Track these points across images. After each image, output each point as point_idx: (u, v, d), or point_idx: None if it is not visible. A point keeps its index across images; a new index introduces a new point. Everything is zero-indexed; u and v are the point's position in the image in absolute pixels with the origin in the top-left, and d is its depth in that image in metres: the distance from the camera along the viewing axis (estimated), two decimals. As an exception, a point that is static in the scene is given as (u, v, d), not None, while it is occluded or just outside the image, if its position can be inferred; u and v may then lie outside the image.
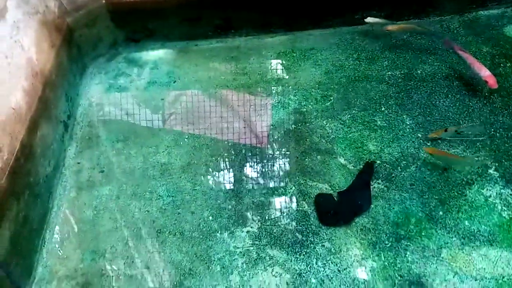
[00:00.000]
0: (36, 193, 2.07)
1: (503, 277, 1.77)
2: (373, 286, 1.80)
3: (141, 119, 2.58)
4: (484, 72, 2.43)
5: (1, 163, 1.83)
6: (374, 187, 2.15)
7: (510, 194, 2.05)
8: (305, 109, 2.57)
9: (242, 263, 1.93)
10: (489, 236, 1.91)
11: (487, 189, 2.08)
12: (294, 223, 2.06)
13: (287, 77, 2.78)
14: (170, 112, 2.60)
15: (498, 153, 2.22)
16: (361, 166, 2.24)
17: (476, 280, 1.78)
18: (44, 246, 2.03)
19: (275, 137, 2.43)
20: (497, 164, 2.18)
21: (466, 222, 1.97)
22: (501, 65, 2.65)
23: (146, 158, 2.38)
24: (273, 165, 2.31)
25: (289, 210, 2.11)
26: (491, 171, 2.16)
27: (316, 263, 1.90)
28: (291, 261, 1.92)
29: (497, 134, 2.30)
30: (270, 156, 2.36)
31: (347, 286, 1.81)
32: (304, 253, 1.94)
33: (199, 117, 2.57)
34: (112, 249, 2.01)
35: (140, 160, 2.37)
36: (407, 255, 1.88)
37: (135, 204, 2.18)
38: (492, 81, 2.39)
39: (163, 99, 2.68)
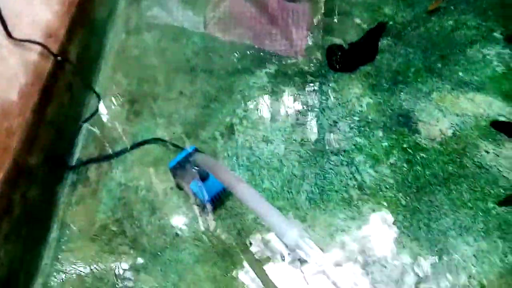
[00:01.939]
0: (93, 29, 2.36)
1: (482, 115, 1.92)
2: (366, 115, 2.01)
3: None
4: None
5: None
6: (383, 43, 2.27)
7: (509, 54, 2.11)
8: (330, -23, 2.61)
9: (258, 94, 2.17)
10: (479, 85, 2.03)
11: (487, 49, 2.15)
12: (306, 67, 2.24)
13: None
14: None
15: (506, 19, 2.23)
16: (374, 25, 2.33)
17: (458, 116, 1.94)
18: (100, 73, 2.35)
19: None
20: (503, 29, 2.21)
21: (461, 73, 2.08)
22: None
23: (171, 11, 2.57)
24: (295, 22, 2.44)
25: (303, 57, 2.28)
26: (495, 34, 2.20)
27: (321, 97, 2.11)
28: (299, 94, 2.14)
29: (509, 2, 2.29)
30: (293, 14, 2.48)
31: (344, 115, 2.03)
32: (311, 89, 2.15)
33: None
34: (153, 79, 2.30)
35: (165, 13, 2.57)
36: (400, 95, 2.05)
37: (174, 46, 2.43)
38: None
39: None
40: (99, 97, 2.17)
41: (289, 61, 2.29)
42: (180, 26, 2.50)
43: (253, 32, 2.48)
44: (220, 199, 1.78)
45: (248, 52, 2.35)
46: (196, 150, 1.79)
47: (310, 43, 2.33)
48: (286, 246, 1.59)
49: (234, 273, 1.62)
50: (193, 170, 1.70)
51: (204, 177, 1.72)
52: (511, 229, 1.61)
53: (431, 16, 2.30)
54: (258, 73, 2.26)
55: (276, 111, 2.10)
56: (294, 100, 2.12)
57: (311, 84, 2.17)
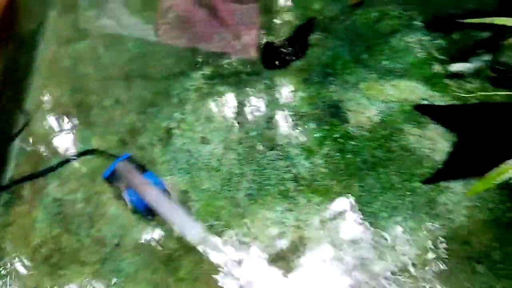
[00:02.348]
0: (21, 43, 2.27)
1: (406, 100, 2.00)
2: (299, 109, 2.04)
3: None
4: None
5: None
6: (314, 37, 2.31)
7: (429, 40, 2.20)
8: (260, -24, 2.63)
9: (195, 96, 2.16)
10: (403, 72, 2.10)
11: (409, 36, 2.23)
12: (241, 67, 2.25)
13: None
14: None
15: (425, 6, 2.33)
16: (304, 21, 2.37)
17: (383, 102, 2.00)
18: (31, 86, 2.26)
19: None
20: (423, 17, 2.30)
21: (385, 62, 2.15)
22: None
23: (119, 20, 2.51)
24: (244, 23, 2.44)
25: (238, 58, 2.29)
26: (416, 22, 2.29)
27: (255, 96, 2.12)
28: (235, 94, 2.14)
29: (429, -8, 2.40)
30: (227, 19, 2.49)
31: (277, 107, 2.05)
32: (247, 87, 2.16)
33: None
34: (87, 88, 2.24)
35: (113, 22, 2.51)
36: (330, 87, 2.10)
37: (108, 54, 2.37)
38: None
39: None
40: (28, 113, 2.09)
41: (224, 61, 2.29)
42: (129, 34, 2.44)
43: (204, 35, 2.45)
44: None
45: (184, 55, 2.33)
46: (129, 158, 1.75)
47: (262, 41, 2.33)
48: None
49: (176, 278, 1.61)
50: (125, 178, 1.67)
51: (139, 184, 1.69)
52: (435, 204, 1.68)
53: (355, 10, 2.36)
54: (194, 76, 2.25)
55: (213, 112, 2.09)
56: (231, 100, 2.12)
57: (247, 83, 2.18)
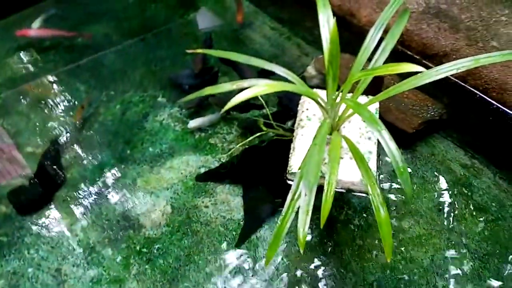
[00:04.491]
0: None
1: (186, 176, 1.98)
2: (87, 241, 1.78)
3: None
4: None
5: None
6: (68, 157, 2.08)
7: (177, 110, 2.27)
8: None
9: None
10: (170, 151, 2.09)
11: (160, 115, 2.25)
12: (-6, 230, 1.83)
13: None
14: None
15: (160, 81, 2.42)
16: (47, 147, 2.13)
17: (167, 189, 1.94)
18: None
19: None
20: (163, 92, 2.37)
21: (150, 149, 2.10)
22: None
23: None
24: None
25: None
26: (160, 99, 2.34)
27: (29, 253, 1.76)
28: (1, 266, 1.72)
29: (157, 67, 2.50)
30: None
31: (58, 255, 1.74)
32: (12, 252, 1.76)
33: None
34: None
35: None
36: (108, 198, 1.91)
37: None
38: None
39: None
40: None
41: (-32, 234, 1.82)
42: None
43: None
44: None
45: None
46: None
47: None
48: None
49: None
50: None
51: None
52: (258, 261, 1.69)
53: (82, 126, 2.23)
54: None
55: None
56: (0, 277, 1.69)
57: (9, 245, 1.79)
